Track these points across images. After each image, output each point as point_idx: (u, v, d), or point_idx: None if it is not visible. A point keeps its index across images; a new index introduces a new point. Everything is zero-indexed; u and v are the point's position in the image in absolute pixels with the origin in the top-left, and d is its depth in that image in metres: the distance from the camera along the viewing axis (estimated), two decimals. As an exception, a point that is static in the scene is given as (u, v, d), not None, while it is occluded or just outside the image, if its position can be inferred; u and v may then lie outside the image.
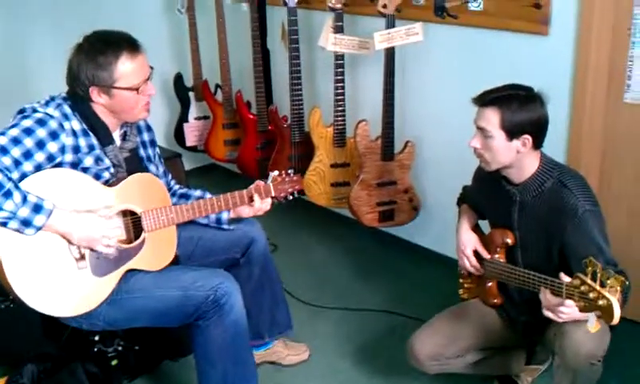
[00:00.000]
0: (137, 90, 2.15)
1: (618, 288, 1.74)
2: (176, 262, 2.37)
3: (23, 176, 1.99)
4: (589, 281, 1.77)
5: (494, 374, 2.57)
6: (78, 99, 2.16)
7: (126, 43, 2.14)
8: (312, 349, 2.89)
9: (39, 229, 1.97)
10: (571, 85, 2.80)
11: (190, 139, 4.55)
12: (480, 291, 2.43)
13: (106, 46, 2.12)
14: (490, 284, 2.37)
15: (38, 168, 2.02)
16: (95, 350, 2.45)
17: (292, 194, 2.56)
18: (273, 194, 2.51)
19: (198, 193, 2.52)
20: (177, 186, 2.57)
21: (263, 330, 2.69)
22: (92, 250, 2.09)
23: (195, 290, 2.20)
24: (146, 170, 2.37)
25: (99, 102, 2.16)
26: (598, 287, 1.75)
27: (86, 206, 2.08)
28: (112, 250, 2.12)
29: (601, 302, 1.73)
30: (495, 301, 2.37)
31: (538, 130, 2.09)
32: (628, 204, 2.83)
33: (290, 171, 2.56)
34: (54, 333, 2.54)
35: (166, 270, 2.29)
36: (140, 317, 2.25)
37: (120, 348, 2.49)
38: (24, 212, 1.93)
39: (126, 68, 2.12)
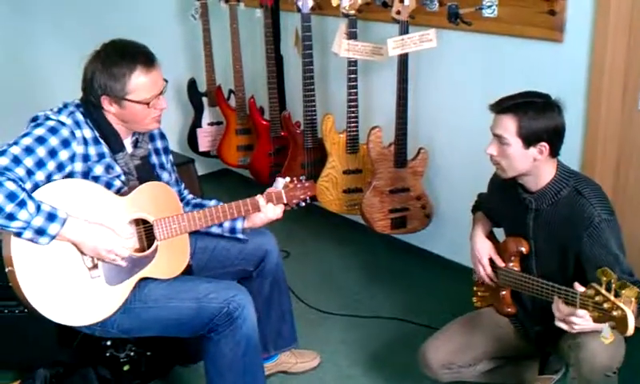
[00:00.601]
0: (147, 104, 2.16)
1: (633, 299, 1.72)
2: (189, 271, 2.37)
3: (35, 186, 1.99)
4: (603, 291, 1.75)
5: (507, 383, 2.55)
6: (90, 106, 2.17)
7: (142, 57, 2.14)
8: (323, 356, 2.88)
9: (53, 237, 1.98)
10: (586, 92, 2.78)
11: (203, 144, 4.56)
12: (494, 300, 2.41)
13: (121, 57, 2.12)
14: (503, 293, 2.35)
15: (49, 177, 2.03)
16: (107, 355, 2.46)
17: (304, 200, 2.54)
18: (285, 201, 2.49)
19: (212, 203, 2.49)
20: (190, 196, 2.56)
21: (269, 344, 2.68)
22: (102, 260, 2.10)
23: (209, 301, 2.20)
24: (157, 177, 2.37)
25: (110, 110, 2.17)
26: (612, 297, 1.73)
27: (99, 216, 2.09)
28: (120, 260, 2.11)
29: (615, 313, 1.71)
30: (509, 310, 2.35)
31: (555, 138, 2.07)
32: (644, 212, 2.80)
33: (302, 178, 2.55)
34: (68, 339, 2.54)
35: (180, 280, 2.28)
36: (153, 326, 2.24)
37: (132, 353, 2.49)
38: (38, 221, 1.93)
39: (138, 82, 2.13)
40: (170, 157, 2.50)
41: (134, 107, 2.15)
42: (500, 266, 2.32)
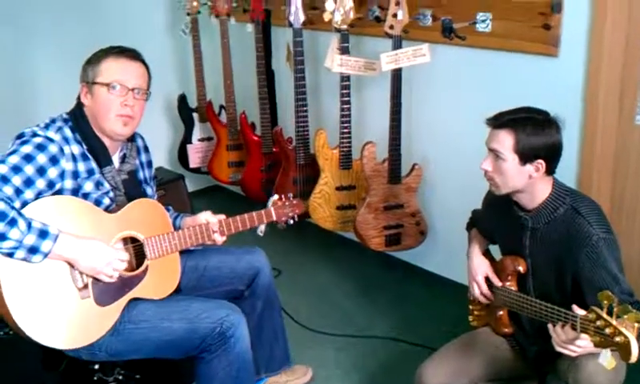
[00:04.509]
0: (108, 85, 2.12)
1: (636, 324, 1.66)
2: (178, 291, 2.32)
3: (24, 204, 1.94)
4: (605, 315, 1.69)
5: (505, 404, 2.50)
6: (78, 117, 2.14)
7: (121, 49, 2.17)
8: (316, 376, 2.84)
9: (46, 255, 1.92)
10: (582, 106, 2.76)
11: (194, 161, 4.52)
12: (490, 319, 2.37)
13: (105, 48, 2.17)
14: (500, 312, 2.30)
15: (39, 195, 1.98)
16: (95, 378, 2.39)
17: (292, 218, 2.56)
18: (274, 219, 2.51)
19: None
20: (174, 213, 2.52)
21: (260, 366, 2.63)
22: (96, 278, 2.04)
23: (201, 321, 2.15)
24: (144, 192, 2.34)
25: (87, 104, 2.15)
26: (614, 322, 1.67)
27: (88, 233, 2.03)
28: (114, 277, 2.06)
29: (617, 339, 1.65)
30: (506, 330, 2.31)
31: (552, 156, 2.03)
32: (641, 228, 2.77)
33: (290, 195, 2.56)
34: (53, 363, 2.48)
35: (172, 300, 2.24)
36: (143, 348, 2.19)
37: (120, 377, 2.43)
38: (30, 239, 1.87)
39: (107, 66, 2.14)
40: (152, 171, 2.47)
41: (99, 92, 2.13)
42: (497, 286, 2.27)
